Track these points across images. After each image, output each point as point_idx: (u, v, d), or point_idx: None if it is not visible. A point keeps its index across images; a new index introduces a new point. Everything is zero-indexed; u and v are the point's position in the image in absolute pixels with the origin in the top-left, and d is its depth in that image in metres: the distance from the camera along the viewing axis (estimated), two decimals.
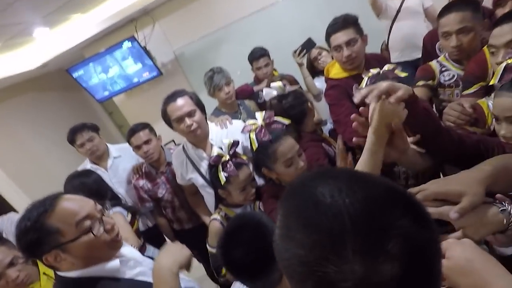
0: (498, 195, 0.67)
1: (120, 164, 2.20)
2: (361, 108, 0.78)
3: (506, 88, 0.93)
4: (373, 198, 0.36)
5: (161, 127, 2.08)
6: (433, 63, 1.56)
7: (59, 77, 4.34)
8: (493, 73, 1.16)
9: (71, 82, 3.73)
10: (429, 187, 0.66)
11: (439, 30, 1.43)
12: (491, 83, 1.13)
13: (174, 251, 0.92)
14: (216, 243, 1.36)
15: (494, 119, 1.11)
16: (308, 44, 2.31)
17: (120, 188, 2.14)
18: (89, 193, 1.72)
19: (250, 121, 1.25)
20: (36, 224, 0.80)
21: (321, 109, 2.44)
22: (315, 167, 1.34)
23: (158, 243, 1.59)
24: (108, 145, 2.28)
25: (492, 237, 0.64)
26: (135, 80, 3.61)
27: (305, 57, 2.37)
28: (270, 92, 1.54)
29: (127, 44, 3.32)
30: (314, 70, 2.52)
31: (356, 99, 0.76)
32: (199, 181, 1.67)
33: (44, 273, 1.46)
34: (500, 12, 1.58)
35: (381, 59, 1.82)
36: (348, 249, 0.33)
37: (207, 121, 1.70)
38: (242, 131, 1.27)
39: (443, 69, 1.53)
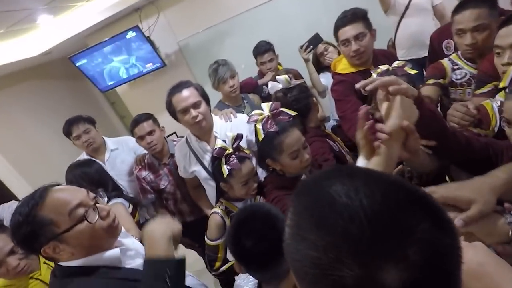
0: (506, 205, 0.67)
1: (117, 156, 2.20)
2: (363, 106, 0.77)
3: None
4: (392, 200, 0.35)
5: (163, 119, 2.07)
6: (445, 61, 1.53)
7: (62, 66, 4.32)
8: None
9: (74, 71, 3.71)
10: (439, 191, 0.64)
11: (453, 27, 1.40)
12: (500, 85, 1.12)
13: (165, 221, 0.91)
14: (219, 234, 1.39)
15: (499, 121, 1.10)
16: (315, 40, 2.28)
17: (119, 181, 2.13)
18: (90, 182, 1.75)
19: (256, 112, 1.23)
20: (28, 217, 0.79)
21: (325, 106, 2.42)
22: (320, 161, 1.34)
23: None
24: (105, 138, 2.27)
25: (501, 247, 0.63)
26: (139, 70, 3.58)
27: (311, 52, 2.34)
28: (275, 85, 1.52)
29: (131, 34, 3.28)
30: (320, 65, 2.50)
31: (358, 85, 0.76)
32: (202, 174, 1.67)
33: (45, 262, 1.46)
34: None
35: (389, 55, 1.80)
36: (366, 253, 0.32)
37: (211, 114, 1.68)
38: (248, 121, 1.26)
39: (455, 67, 1.50)
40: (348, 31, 1.50)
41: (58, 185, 0.88)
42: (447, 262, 0.34)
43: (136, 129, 1.91)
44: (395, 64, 1.21)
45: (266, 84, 2.35)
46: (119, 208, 1.72)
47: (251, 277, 0.94)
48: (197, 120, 1.52)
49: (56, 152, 3.79)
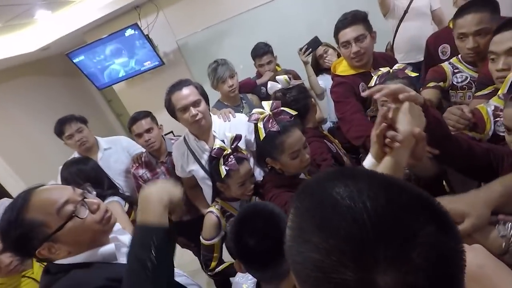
0: (500, 216, 0.68)
1: (111, 156, 2.18)
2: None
3: None
4: (396, 202, 0.34)
5: (160, 117, 2.06)
6: (445, 65, 1.54)
7: (59, 62, 4.29)
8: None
9: (71, 68, 3.69)
10: None
11: (454, 30, 1.41)
12: (499, 92, 1.13)
13: (165, 185, 0.84)
14: (214, 233, 1.38)
15: (493, 125, 1.11)
16: (314, 43, 2.29)
17: (114, 180, 2.12)
18: (86, 180, 1.73)
19: (258, 110, 1.22)
20: (16, 222, 0.77)
21: (323, 108, 2.43)
22: (319, 161, 1.34)
23: None
24: (97, 137, 2.25)
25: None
26: (136, 68, 3.57)
27: (310, 55, 2.34)
28: (274, 85, 1.52)
29: (130, 32, 3.27)
30: (319, 67, 2.51)
31: (365, 94, 0.76)
32: (200, 173, 1.66)
33: (37, 260, 1.45)
34: None
35: (389, 58, 1.82)
36: (369, 257, 0.31)
37: (210, 113, 1.68)
38: (249, 119, 1.24)
39: (456, 70, 1.51)
40: (349, 33, 1.50)
41: (41, 186, 0.86)
42: (451, 266, 0.33)
43: (134, 127, 1.90)
44: (396, 66, 1.22)
45: (264, 85, 2.36)
46: (115, 206, 1.70)
47: (250, 275, 0.93)
48: (197, 118, 1.51)
49: (51, 149, 3.75)
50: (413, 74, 1.16)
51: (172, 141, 2.03)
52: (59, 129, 2.09)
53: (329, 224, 0.34)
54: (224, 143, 1.35)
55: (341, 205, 0.34)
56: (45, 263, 0.87)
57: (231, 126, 1.67)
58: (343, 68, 1.66)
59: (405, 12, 2.50)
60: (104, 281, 0.77)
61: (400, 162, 0.68)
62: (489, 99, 1.23)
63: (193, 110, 1.50)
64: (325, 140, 1.53)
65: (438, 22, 2.49)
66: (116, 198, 1.81)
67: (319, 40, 2.30)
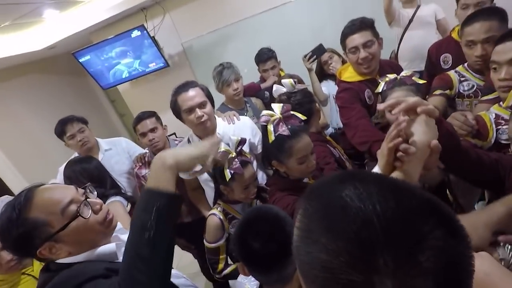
0: (501, 237, 0.68)
1: (112, 157, 2.18)
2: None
3: None
4: (406, 206, 0.34)
5: (163, 119, 2.07)
6: (452, 73, 1.55)
7: (65, 61, 4.32)
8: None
9: (76, 67, 3.71)
10: None
11: (462, 38, 1.41)
12: (504, 105, 1.14)
13: (178, 148, 0.86)
14: (218, 236, 1.38)
15: (495, 133, 1.12)
16: (319, 51, 2.30)
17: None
18: (90, 179, 1.73)
19: (268, 112, 1.21)
20: (18, 221, 0.76)
21: (325, 114, 2.44)
22: (322, 164, 1.35)
23: None
24: (97, 138, 2.26)
25: None
26: (141, 69, 3.58)
27: (314, 62, 2.36)
28: (279, 88, 1.53)
29: (136, 33, 3.29)
30: (323, 73, 2.52)
31: (381, 106, 0.73)
32: (203, 175, 1.66)
33: None
34: None
35: (394, 65, 1.82)
36: (378, 260, 0.31)
37: (215, 116, 1.68)
38: (259, 121, 1.24)
39: (462, 79, 1.52)
40: (357, 38, 1.51)
41: (41, 185, 0.86)
42: (460, 271, 0.33)
43: (139, 126, 1.91)
44: (403, 73, 1.22)
45: (268, 89, 2.37)
46: (117, 207, 1.70)
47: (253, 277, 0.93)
48: (202, 120, 1.51)
49: (53, 147, 3.74)
50: (421, 81, 1.17)
51: (176, 142, 2.03)
52: (61, 130, 2.09)
53: (338, 225, 0.34)
54: (228, 146, 1.35)
55: (351, 207, 0.35)
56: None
57: (235, 129, 1.68)
58: (349, 74, 1.66)
59: (410, 21, 2.52)
60: (103, 270, 0.77)
61: (413, 175, 0.66)
62: (494, 104, 1.23)
63: (198, 112, 1.50)
64: (328, 145, 1.53)
65: (443, 32, 2.51)
66: (118, 198, 1.81)
67: (323, 48, 2.32)
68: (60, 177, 2.02)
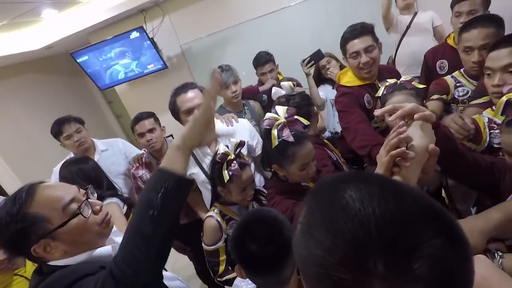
0: (491, 245, 0.69)
1: (108, 158, 2.17)
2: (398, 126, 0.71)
3: None
4: (406, 211, 0.34)
5: (160, 121, 2.06)
6: (448, 78, 1.57)
7: (63, 61, 4.30)
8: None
9: (74, 67, 3.70)
10: None
11: (460, 44, 1.43)
12: (493, 116, 1.16)
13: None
14: (216, 238, 1.37)
15: (488, 136, 1.13)
16: (317, 56, 2.32)
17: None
18: (86, 179, 1.72)
19: (272, 116, 1.20)
20: (17, 216, 0.75)
21: (323, 118, 2.45)
22: (319, 167, 1.35)
23: None
24: (94, 139, 2.25)
25: None
26: (139, 70, 3.58)
27: (312, 67, 2.37)
28: (278, 91, 1.54)
29: (135, 34, 3.29)
30: (321, 77, 2.53)
31: (378, 113, 0.74)
32: (201, 177, 1.65)
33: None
34: None
35: (392, 71, 1.84)
36: (369, 261, 0.32)
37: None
38: (263, 124, 1.22)
39: (458, 84, 1.54)
40: (358, 43, 1.52)
41: (42, 182, 0.85)
42: (458, 281, 0.33)
43: (137, 126, 1.90)
44: (403, 78, 1.23)
45: (266, 92, 2.38)
46: (113, 208, 1.68)
47: (250, 280, 0.92)
48: None
49: (50, 147, 3.71)
50: (420, 86, 1.18)
51: None
52: (57, 130, 2.07)
53: (336, 224, 0.35)
54: (227, 147, 1.35)
55: (351, 208, 0.35)
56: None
57: (233, 131, 1.67)
58: (348, 79, 1.67)
59: (408, 27, 2.56)
60: (97, 268, 0.76)
61: (411, 180, 0.66)
62: (483, 108, 1.24)
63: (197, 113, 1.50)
64: (325, 148, 1.54)
65: (440, 38, 2.55)
66: (114, 199, 1.80)
67: (322, 54, 2.33)
68: (54, 178, 2.00)
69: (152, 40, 3.37)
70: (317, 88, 2.45)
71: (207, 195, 1.71)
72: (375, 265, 0.31)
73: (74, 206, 0.81)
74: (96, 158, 2.13)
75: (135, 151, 2.23)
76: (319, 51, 2.32)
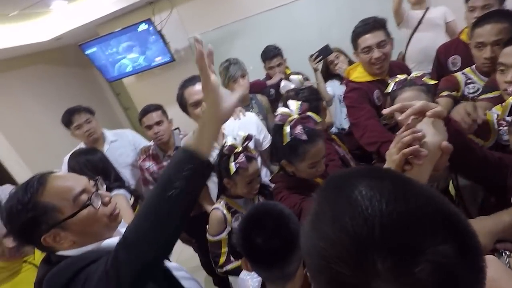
0: (499, 245, 0.69)
1: (117, 149, 2.19)
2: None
3: None
4: (415, 212, 0.33)
5: (168, 113, 2.07)
6: (459, 75, 1.54)
7: (71, 53, 4.33)
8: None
9: (82, 59, 3.72)
10: None
11: (472, 39, 1.40)
12: (499, 117, 1.13)
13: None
14: (220, 229, 1.39)
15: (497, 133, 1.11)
16: (325, 51, 2.29)
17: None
18: (94, 171, 1.74)
19: (284, 111, 1.18)
20: (28, 204, 0.76)
21: (331, 114, 2.43)
22: (326, 161, 1.34)
23: None
24: (104, 130, 2.26)
25: None
26: (147, 63, 3.58)
27: (320, 62, 2.35)
28: (288, 84, 1.53)
29: (143, 27, 3.29)
30: (329, 73, 2.51)
31: (387, 111, 0.72)
32: None
33: None
34: None
35: (403, 67, 1.81)
36: (369, 259, 0.31)
37: None
38: (276, 119, 1.20)
39: (468, 81, 1.51)
40: (370, 38, 1.50)
41: (52, 172, 0.85)
42: None
43: (145, 118, 1.91)
44: (413, 74, 1.21)
45: (273, 86, 2.37)
46: (120, 200, 1.70)
47: (256, 274, 0.93)
48: None
49: (57, 138, 3.75)
50: (431, 82, 1.16)
51: (180, 136, 2.03)
52: (68, 119, 2.10)
53: (342, 218, 0.35)
54: (235, 140, 1.35)
55: (359, 204, 0.34)
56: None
57: (240, 125, 1.67)
58: (358, 74, 1.65)
59: (419, 22, 2.51)
60: (104, 255, 0.77)
61: (423, 178, 0.64)
62: (493, 102, 1.22)
63: (205, 106, 1.50)
64: (333, 143, 1.53)
65: (452, 34, 2.49)
66: (122, 191, 1.82)
67: (330, 49, 2.30)
68: (64, 167, 2.03)
69: (160, 33, 3.37)
70: (325, 84, 2.43)
71: (213, 189, 1.72)
72: (374, 264, 0.31)
73: (84, 197, 0.82)
74: (105, 148, 2.15)
75: (144, 142, 2.25)
76: (327, 46, 2.29)
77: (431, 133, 0.66)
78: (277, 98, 2.22)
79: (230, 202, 1.44)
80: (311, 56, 2.30)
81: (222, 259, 1.40)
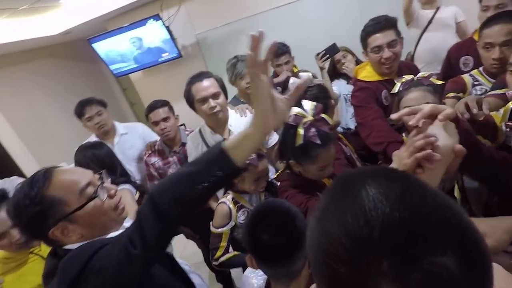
0: (509, 247, 0.67)
1: (127, 141, 2.21)
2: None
3: None
4: (419, 220, 0.32)
5: (174, 109, 2.07)
6: (466, 76, 1.52)
7: (79, 47, 4.35)
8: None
9: (90, 53, 3.74)
10: None
11: (480, 40, 1.39)
12: (498, 123, 1.11)
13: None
14: (224, 222, 1.40)
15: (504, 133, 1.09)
16: (332, 50, 2.27)
17: (127, 166, 2.13)
18: (100, 165, 1.75)
19: (299, 111, 1.15)
20: (36, 198, 0.76)
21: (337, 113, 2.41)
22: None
23: None
24: (115, 122, 2.28)
25: None
26: (154, 59, 3.60)
27: (327, 61, 2.33)
28: (296, 81, 1.52)
29: (151, 22, 3.30)
30: (335, 72, 2.49)
31: (395, 116, 0.70)
32: None
33: None
34: None
35: (411, 67, 1.79)
36: (364, 260, 0.31)
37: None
38: (289, 119, 1.16)
39: (476, 83, 1.49)
40: (381, 37, 1.48)
41: (58, 166, 0.86)
42: None
43: (151, 114, 1.92)
44: (420, 74, 1.20)
45: (280, 84, 2.35)
46: (125, 194, 1.72)
47: (260, 271, 0.93)
48: (215, 110, 1.52)
49: (65, 131, 3.82)
50: (438, 82, 1.14)
51: (186, 132, 2.04)
52: (80, 111, 2.13)
53: (345, 216, 0.34)
54: None
55: (363, 205, 0.34)
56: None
57: (247, 122, 1.67)
58: (366, 74, 1.63)
59: (429, 22, 2.47)
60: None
61: (434, 182, 0.63)
62: (501, 98, 1.20)
63: (212, 102, 1.51)
64: (339, 142, 1.53)
65: (462, 35, 2.46)
66: (127, 186, 1.83)
67: (337, 48, 2.28)
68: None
69: (168, 29, 3.37)
70: (331, 83, 2.41)
71: None
72: (369, 266, 0.31)
73: (90, 189, 0.83)
74: (115, 140, 2.17)
75: (154, 137, 2.26)
76: (334, 44, 2.28)
77: (444, 136, 0.64)
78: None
79: (237, 196, 1.46)
80: (318, 54, 2.28)
81: (219, 252, 1.42)
